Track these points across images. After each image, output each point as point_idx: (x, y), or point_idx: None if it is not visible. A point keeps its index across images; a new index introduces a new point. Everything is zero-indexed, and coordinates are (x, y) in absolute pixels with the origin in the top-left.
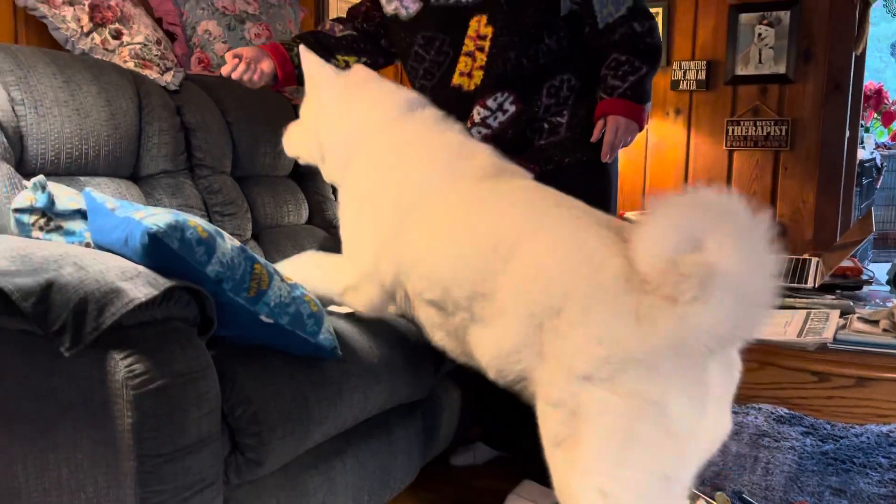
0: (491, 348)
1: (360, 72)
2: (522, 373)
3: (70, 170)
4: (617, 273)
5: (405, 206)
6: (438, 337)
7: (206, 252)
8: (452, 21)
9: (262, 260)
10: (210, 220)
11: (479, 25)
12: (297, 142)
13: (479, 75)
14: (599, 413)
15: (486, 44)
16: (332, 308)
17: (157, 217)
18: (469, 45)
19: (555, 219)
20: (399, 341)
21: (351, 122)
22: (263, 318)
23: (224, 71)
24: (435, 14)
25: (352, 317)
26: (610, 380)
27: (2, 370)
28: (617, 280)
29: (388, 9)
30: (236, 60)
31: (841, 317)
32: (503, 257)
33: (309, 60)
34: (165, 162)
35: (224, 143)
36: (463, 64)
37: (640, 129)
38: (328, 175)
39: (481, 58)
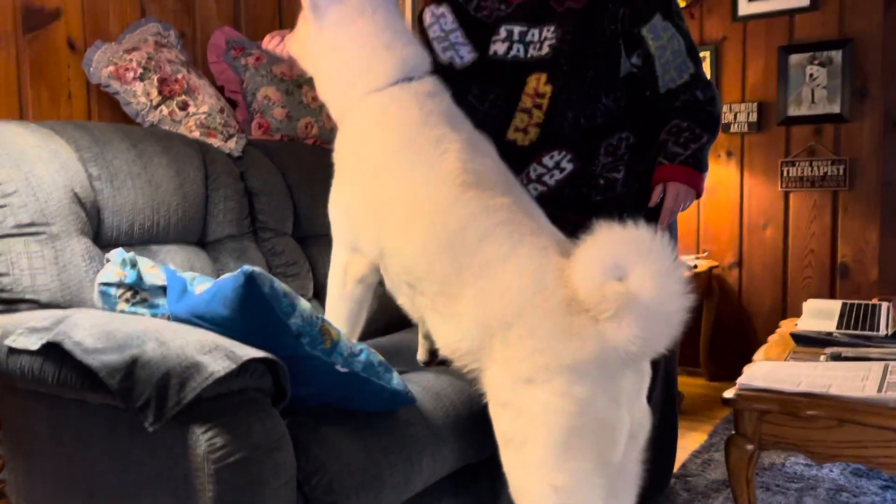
0: (448, 341)
1: (354, 2)
2: (473, 371)
3: (143, 239)
4: (561, 300)
5: (387, 193)
6: (402, 302)
7: (290, 304)
8: (509, 75)
9: (327, 319)
10: None
11: (537, 83)
12: (300, 52)
13: (535, 132)
14: (541, 411)
15: (545, 102)
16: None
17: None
18: (526, 101)
19: (527, 248)
20: (462, 401)
21: (342, 76)
22: (339, 367)
23: (264, 43)
24: (492, 67)
25: (413, 377)
26: (548, 382)
27: (86, 443)
28: (559, 305)
29: (443, 58)
30: (276, 38)
31: None
32: (475, 273)
33: None
34: (230, 226)
35: (285, 204)
36: (519, 119)
37: (698, 196)
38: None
39: (538, 115)
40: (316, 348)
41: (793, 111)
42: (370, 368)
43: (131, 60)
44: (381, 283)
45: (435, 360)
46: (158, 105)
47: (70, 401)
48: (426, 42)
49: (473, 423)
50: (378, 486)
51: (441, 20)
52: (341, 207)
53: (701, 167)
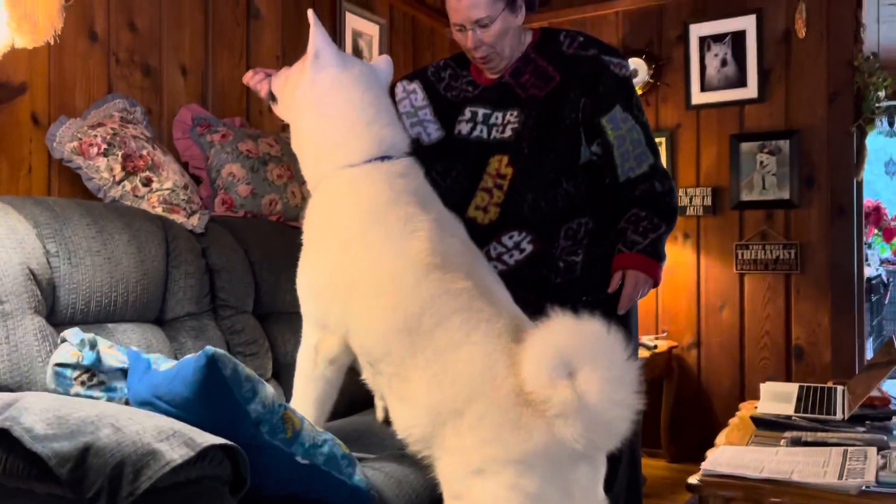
0: (403, 425)
1: (327, 76)
2: (427, 458)
3: (99, 317)
4: (510, 391)
5: (350, 271)
6: (365, 377)
7: (251, 389)
8: (472, 155)
9: (288, 405)
10: None
11: (499, 165)
12: (284, 106)
13: (494, 211)
14: (490, 503)
15: (506, 183)
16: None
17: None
18: (487, 181)
19: (480, 335)
20: (424, 489)
21: (322, 142)
22: (299, 459)
23: (246, 77)
24: (456, 145)
25: (376, 465)
26: (497, 474)
27: None
28: (508, 396)
29: (411, 133)
30: (260, 74)
31: (878, 454)
32: (429, 359)
33: (319, 31)
34: (190, 304)
35: (247, 282)
36: (479, 198)
37: (656, 285)
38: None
39: (499, 195)
40: (276, 437)
41: (745, 196)
42: (332, 462)
43: (96, 136)
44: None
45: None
46: (121, 181)
47: (14, 490)
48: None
49: None
50: None
51: (412, 96)
52: (310, 280)
53: (658, 257)
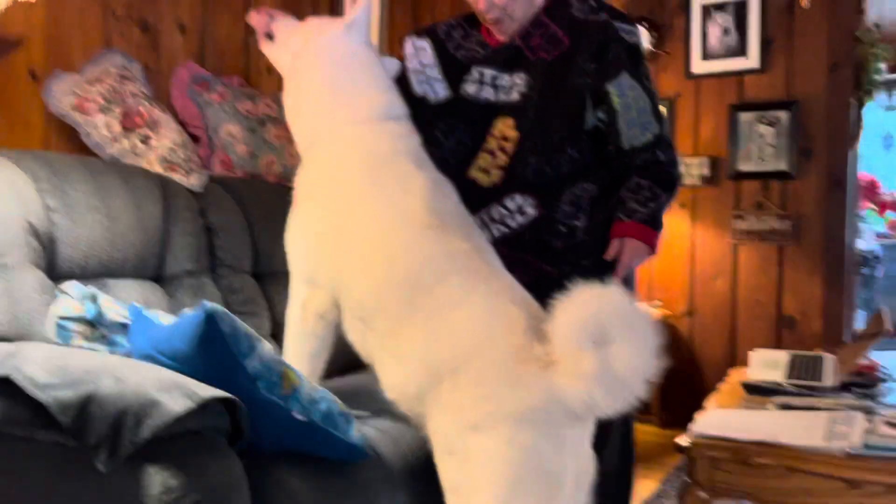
0: (395, 383)
1: (352, 42)
2: (419, 416)
3: (98, 273)
4: (509, 349)
5: (346, 226)
6: (353, 339)
7: (249, 346)
8: (478, 116)
9: (289, 364)
10: None
11: (505, 127)
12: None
13: (497, 174)
14: (486, 459)
15: (510, 146)
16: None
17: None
18: (491, 142)
19: (479, 296)
20: (419, 447)
21: (319, 106)
22: (296, 414)
23: (251, 16)
24: (462, 105)
25: (372, 422)
26: (493, 430)
27: (32, 483)
28: (507, 354)
29: (418, 90)
30: (265, 15)
31: (864, 419)
32: (427, 315)
33: (367, 7)
34: (188, 262)
35: (245, 242)
36: (482, 159)
37: (653, 253)
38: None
39: (503, 158)
40: (273, 393)
41: (742, 166)
42: (329, 418)
43: (94, 92)
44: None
45: None
46: (120, 138)
47: (16, 438)
48: (403, 72)
49: (430, 468)
50: None
51: (421, 53)
52: (300, 235)
53: (657, 226)
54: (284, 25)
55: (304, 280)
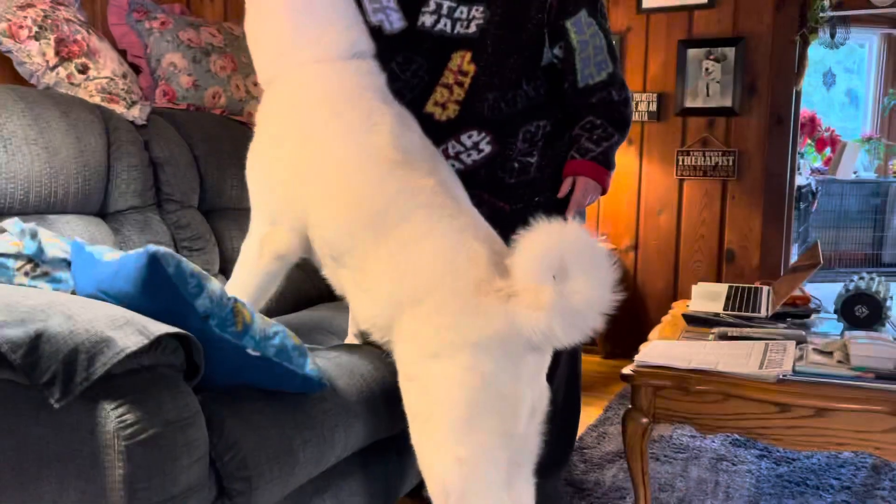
0: (365, 315)
1: None
2: (387, 344)
3: (39, 208)
4: (470, 281)
5: (312, 164)
6: (326, 274)
7: (197, 285)
8: (435, 49)
9: (239, 298)
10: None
11: (461, 61)
12: None
13: (453, 108)
14: (446, 385)
15: (467, 80)
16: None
17: (154, 245)
18: (448, 77)
19: (444, 229)
20: (375, 379)
21: (283, 41)
22: (250, 351)
23: None
24: (418, 37)
25: (327, 355)
26: (452, 357)
27: None
28: (468, 286)
29: (373, 20)
30: None
31: (796, 347)
32: (392, 250)
33: None
34: (134, 198)
35: (191, 176)
36: (439, 94)
37: (604, 192)
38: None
39: (459, 92)
40: (226, 330)
41: (689, 103)
42: (283, 353)
43: (25, 18)
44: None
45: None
46: (56, 66)
47: None
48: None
49: (385, 399)
50: (291, 461)
51: None
52: (262, 173)
53: (609, 165)
54: None
55: (265, 217)
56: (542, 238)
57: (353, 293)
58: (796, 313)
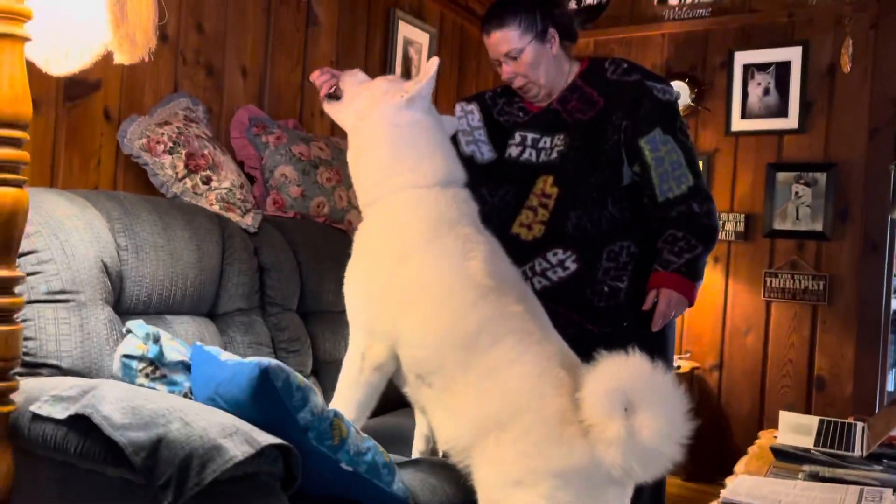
0: (447, 436)
1: (416, 111)
2: (468, 468)
3: (158, 309)
4: (556, 409)
5: (408, 283)
6: (407, 391)
7: (301, 399)
8: (520, 175)
9: (339, 412)
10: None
11: (545, 185)
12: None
13: (539, 228)
14: None
15: (551, 202)
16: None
17: (267, 358)
18: (533, 200)
19: (532, 356)
20: (457, 496)
21: (384, 169)
22: (344, 465)
23: (313, 76)
24: (506, 167)
25: (411, 468)
26: (535, 486)
27: None
28: (554, 414)
29: (465, 150)
30: (327, 74)
31: (893, 494)
32: (481, 374)
33: (430, 82)
34: (241, 300)
35: (293, 281)
36: (524, 216)
37: (690, 304)
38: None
39: (544, 213)
40: (323, 444)
41: (778, 225)
42: (374, 470)
43: (162, 134)
44: None
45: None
46: (183, 178)
47: (87, 471)
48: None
49: None
50: None
51: (469, 116)
52: (361, 288)
53: (694, 277)
54: (350, 86)
55: (363, 331)
56: (607, 372)
57: (436, 413)
58: (894, 455)
